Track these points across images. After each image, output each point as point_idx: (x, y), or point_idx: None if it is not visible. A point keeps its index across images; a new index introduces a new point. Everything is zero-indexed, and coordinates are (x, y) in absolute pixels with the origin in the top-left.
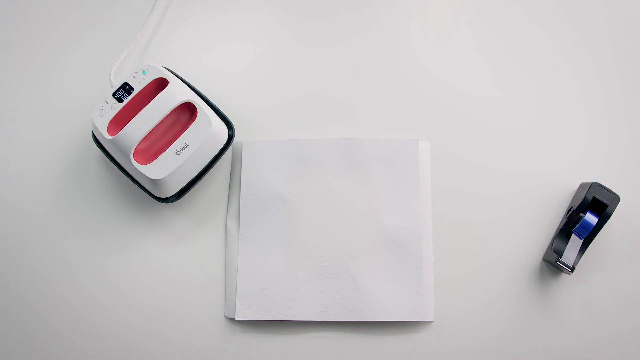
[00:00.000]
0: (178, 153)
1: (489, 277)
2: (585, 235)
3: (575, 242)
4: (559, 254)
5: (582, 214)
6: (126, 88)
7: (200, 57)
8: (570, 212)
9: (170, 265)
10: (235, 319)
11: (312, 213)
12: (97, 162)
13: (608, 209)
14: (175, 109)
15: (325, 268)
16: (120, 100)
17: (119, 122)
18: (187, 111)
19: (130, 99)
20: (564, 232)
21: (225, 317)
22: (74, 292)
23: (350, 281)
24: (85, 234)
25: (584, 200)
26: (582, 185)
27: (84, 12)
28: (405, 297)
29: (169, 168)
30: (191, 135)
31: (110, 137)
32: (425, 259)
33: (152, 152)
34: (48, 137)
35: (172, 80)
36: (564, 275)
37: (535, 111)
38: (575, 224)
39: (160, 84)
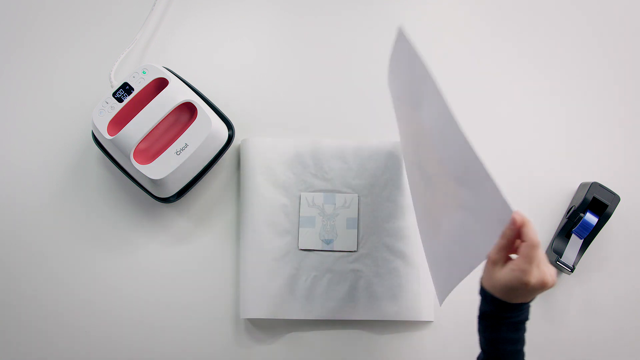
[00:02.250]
0: (178, 153)
1: None
2: (585, 235)
3: (575, 242)
4: (559, 254)
5: (582, 214)
6: (126, 88)
7: (200, 57)
8: (570, 212)
9: (170, 265)
10: (240, 317)
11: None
12: (97, 162)
13: (608, 209)
14: (175, 109)
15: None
16: (120, 100)
17: (119, 122)
18: (187, 111)
19: (130, 99)
20: (564, 232)
21: (227, 316)
22: (73, 290)
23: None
24: (85, 233)
25: (584, 200)
26: (582, 185)
27: (85, 12)
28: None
29: (169, 168)
30: (191, 135)
31: (110, 137)
32: (425, 259)
33: (152, 152)
34: (48, 137)
35: (172, 80)
36: (564, 275)
37: (535, 112)
38: (575, 224)
39: (160, 84)
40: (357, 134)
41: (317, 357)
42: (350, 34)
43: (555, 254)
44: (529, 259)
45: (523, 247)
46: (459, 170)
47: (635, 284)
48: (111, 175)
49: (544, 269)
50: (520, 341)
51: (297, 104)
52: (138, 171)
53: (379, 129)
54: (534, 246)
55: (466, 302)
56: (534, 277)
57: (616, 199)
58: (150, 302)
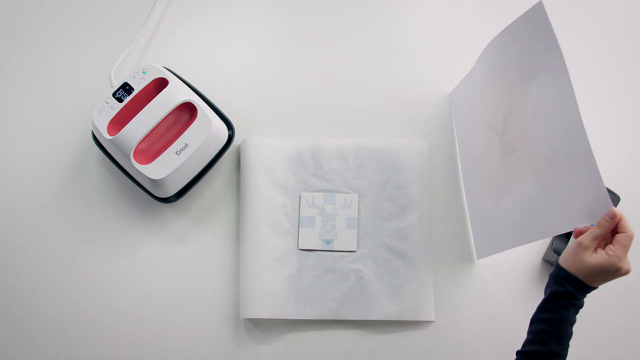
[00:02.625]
0: (178, 153)
1: (489, 277)
2: None
3: None
4: (559, 254)
5: None
6: (126, 88)
7: (200, 57)
8: None
9: (170, 265)
10: (240, 317)
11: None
12: (97, 162)
13: None
14: (175, 109)
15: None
16: (120, 100)
17: (119, 122)
18: (187, 111)
19: (130, 99)
20: (564, 232)
21: (227, 316)
22: (73, 291)
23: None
24: (85, 233)
25: None
26: None
27: (85, 12)
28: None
29: (169, 168)
30: (191, 135)
31: (110, 137)
32: (425, 259)
33: (152, 152)
34: (48, 137)
35: (172, 80)
36: None
37: None
38: None
39: (160, 84)
40: (357, 134)
41: (317, 357)
42: (350, 34)
43: (555, 254)
44: (626, 248)
45: (621, 237)
46: (557, 151)
47: (635, 284)
48: (111, 175)
49: (628, 259)
50: (572, 328)
51: (297, 103)
52: (138, 171)
53: (379, 129)
54: (631, 238)
55: (466, 302)
56: (625, 264)
57: (616, 199)
58: (150, 302)
